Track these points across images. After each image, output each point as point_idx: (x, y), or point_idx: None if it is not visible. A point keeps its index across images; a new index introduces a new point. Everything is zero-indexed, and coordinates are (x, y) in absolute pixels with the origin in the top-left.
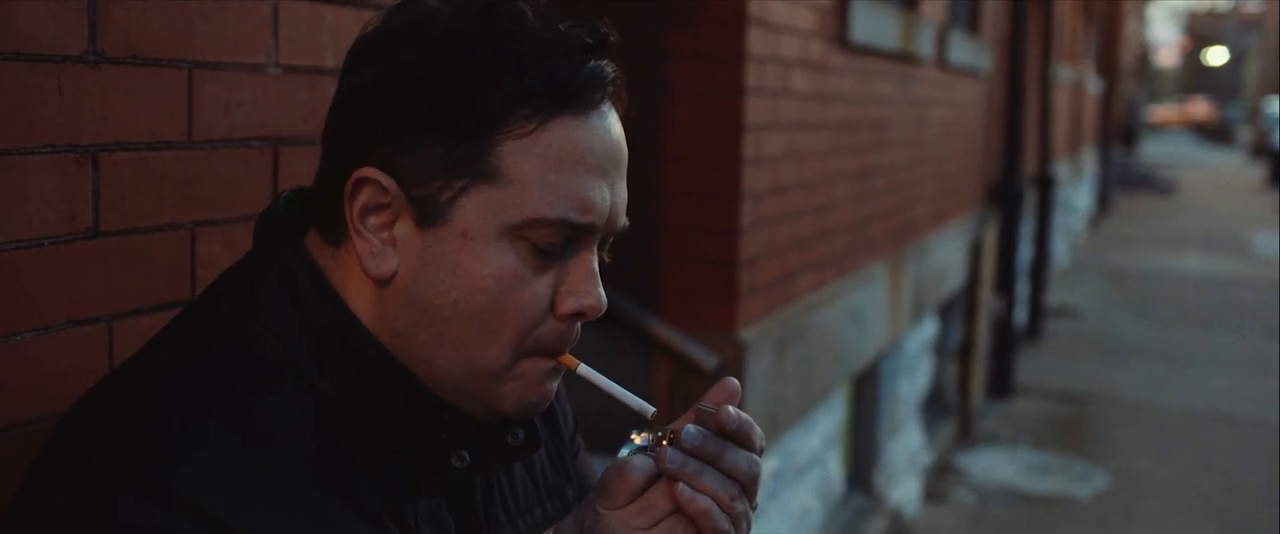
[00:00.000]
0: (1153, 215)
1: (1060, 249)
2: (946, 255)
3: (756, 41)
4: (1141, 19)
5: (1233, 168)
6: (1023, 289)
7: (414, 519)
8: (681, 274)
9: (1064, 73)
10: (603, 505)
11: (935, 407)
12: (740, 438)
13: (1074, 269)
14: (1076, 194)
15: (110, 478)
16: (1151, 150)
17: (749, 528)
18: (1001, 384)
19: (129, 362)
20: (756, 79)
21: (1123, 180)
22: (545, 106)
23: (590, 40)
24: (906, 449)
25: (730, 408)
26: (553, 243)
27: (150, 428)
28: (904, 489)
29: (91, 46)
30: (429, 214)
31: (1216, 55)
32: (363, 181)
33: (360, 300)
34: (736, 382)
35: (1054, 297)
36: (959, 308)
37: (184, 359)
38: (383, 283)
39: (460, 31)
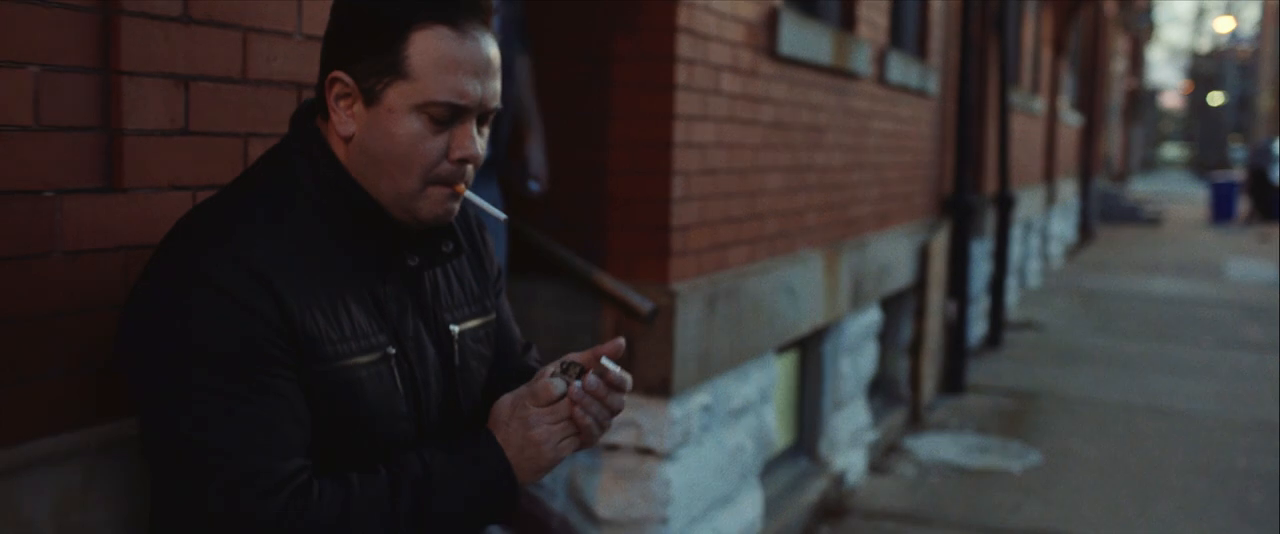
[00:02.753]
0: (1133, 244)
1: (1033, 271)
2: (890, 253)
3: (685, 47)
4: (1141, 61)
5: None
6: (985, 302)
7: (382, 294)
8: (625, 238)
9: (1035, 104)
10: (531, 402)
11: (888, 397)
12: (620, 387)
13: (1046, 290)
14: (1054, 222)
15: (193, 244)
16: (1143, 186)
17: (606, 430)
18: (954, 382)
19: (213, 196)
20: (686, 77)
21: (1108, 212)
22: (431, 17)
23: None
24: (851, 424)
25: (616, 369)
26: (443, 116)
27: (219, 220)
28: (848, 459)
29: (185, 12)
30: (370, 98)
31: (1218, 98)
32: (334, 79)
33: (340, 153)
34: (623, 341)
35: (1021, 313)
36: (910, 306)
37: (245, 189)
38: (347, 141)
39: None
